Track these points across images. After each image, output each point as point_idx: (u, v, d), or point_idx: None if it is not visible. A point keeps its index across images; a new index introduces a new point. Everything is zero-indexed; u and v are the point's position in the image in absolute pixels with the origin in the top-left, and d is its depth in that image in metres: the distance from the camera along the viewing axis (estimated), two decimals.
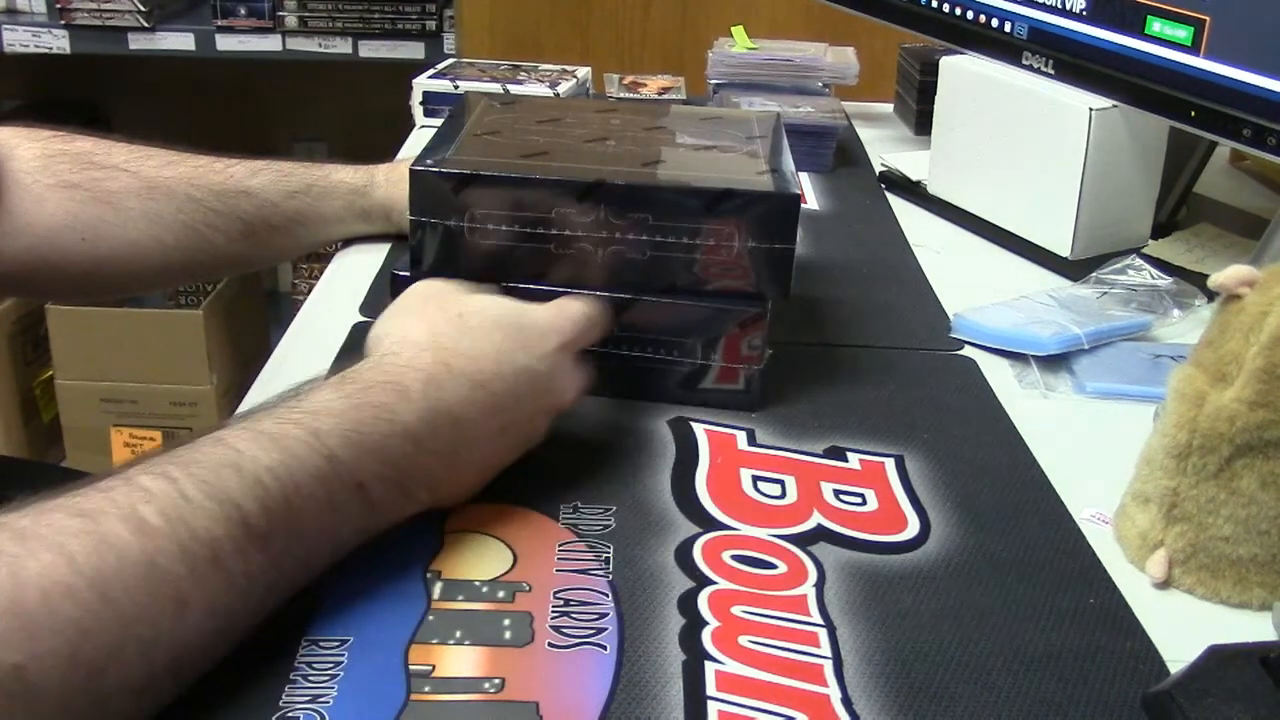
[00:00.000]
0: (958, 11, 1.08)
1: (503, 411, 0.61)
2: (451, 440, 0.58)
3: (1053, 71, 0.98)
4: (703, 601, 0.56)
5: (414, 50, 2.17)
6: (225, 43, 2.18)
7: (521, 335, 0.63)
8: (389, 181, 0.94)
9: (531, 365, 0.62)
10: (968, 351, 0.83)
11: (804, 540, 0.62)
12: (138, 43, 2.17)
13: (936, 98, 1.09)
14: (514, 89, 1.23)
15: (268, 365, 0.79)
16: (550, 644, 0.53)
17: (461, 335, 0.61)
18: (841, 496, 0.66)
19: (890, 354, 0.82)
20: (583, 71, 1.31)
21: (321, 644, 0.52)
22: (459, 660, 0.52)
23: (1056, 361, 0.80)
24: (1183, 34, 0.86)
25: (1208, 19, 0.84)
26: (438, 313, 0.63)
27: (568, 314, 0.66)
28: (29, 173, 0.81)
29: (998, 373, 0.80)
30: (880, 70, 1.44)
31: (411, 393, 0.57)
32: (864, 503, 0.65)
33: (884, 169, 1.17)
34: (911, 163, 1.15)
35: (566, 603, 0.56)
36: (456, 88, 1.24)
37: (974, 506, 0.65)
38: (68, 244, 0.81)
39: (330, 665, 0.51)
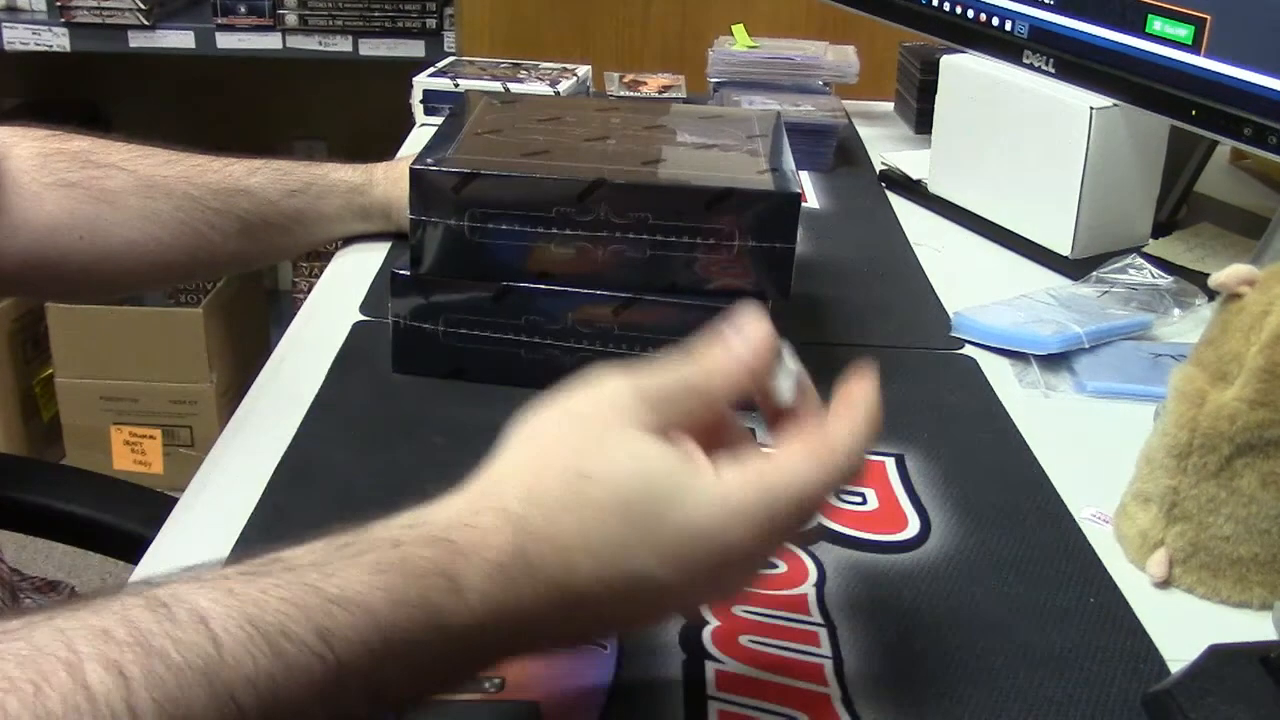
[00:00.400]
0: (958, 10, 1.08)
1: (597, 625, 0.47)
2: (511, 647, 0.44)
3: (1053, 70, 0.98)
4: None
5: (414, 48, 2.17)
6: (225, 41, 2.18)
7: (656, 528, 0.43)
8: (388, 180, 0.94)
9: (653, 574, 0.43)
10: (968, 351, 0.83)
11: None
12: (138, 41, 2.17)
13: (937, 96, 1.09)
14: (514, 87, 1.23)
15: (268, 364, 0.79)
16: None
17: (566, 510, 0.43)
18: (842, 495, 0.66)
19: (890, 354, 0.82)
20: (583, 70, 1.31)
21: None
22: None
23: (1057, 361, 0.80)
24: (1183, 33, 0.86)
25: (1208, 18, 0.84)
26: (557, 463, 0.44)
27: (766, 500, 0.44)
28: (26, 171, 0.81)
29: (998, 372, 0.80)
30: (881, 69, 1.44)
31: (467, 589, 0.41)
32: (864, 502, 0.65)
33: (884, 168, 1.17)
34: (912, 161, 1.15)
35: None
36: (457, 86, 1.24)
37: (974, 506, 0.65)
38: (66, 242, 0.81)
39: None
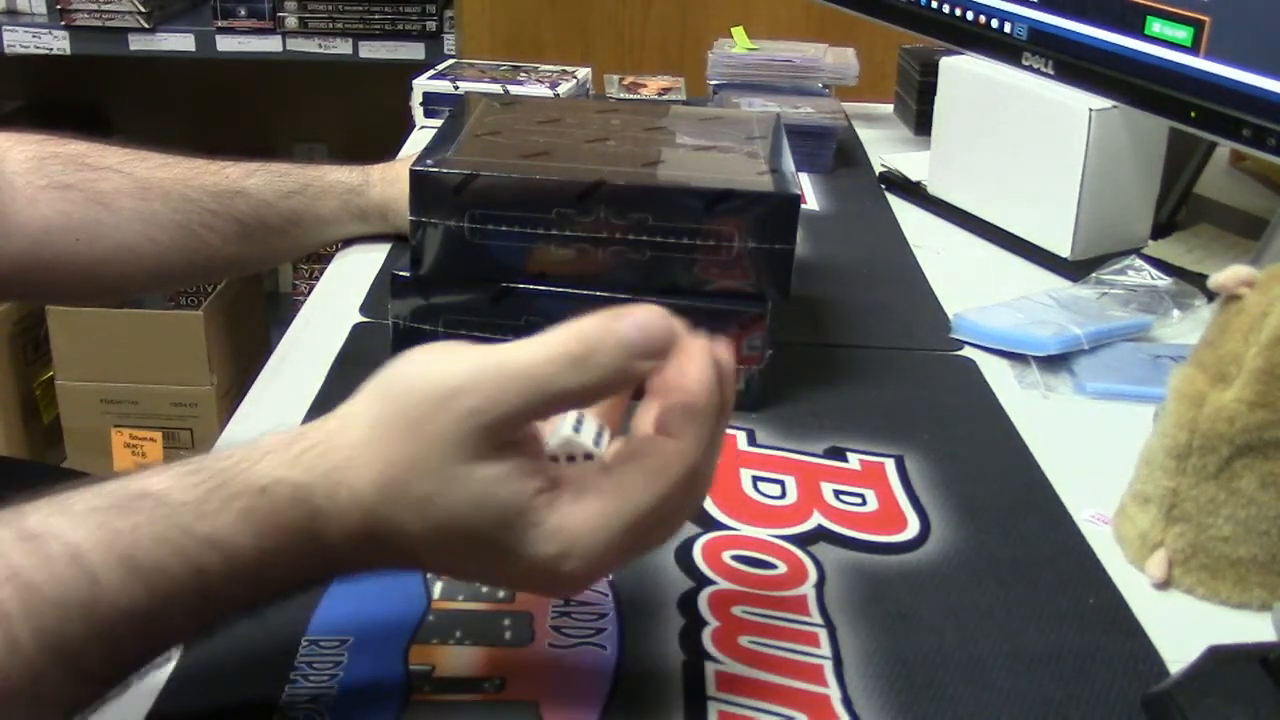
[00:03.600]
0: (957, 12, 1.08)
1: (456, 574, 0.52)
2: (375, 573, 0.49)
3: (1053, 72, 0.98)
4: (703, 601, 0.56)
5: (414, 51, 2.17)
6: (225, 43, 2.18)
7: (496, 556, 0.45)
8: (384, 181, 0.94)
9: (492, 580, 0.51)
10: (968, 352, 0.83)
11: (804, 540, 0.62)
12: (138, 43, 2.17)
13: (936, 98, 1.09)
14: (514, 89, 1.23)
15: (268, 365, 0.79)
16: (550, 644, 0.53)
17: (412, 520, 0.44)
18: (841, 497, 0.66)
19: (890, 354, 0.82)
20: (582, 72, 1.31)
21: (321, 644, 0.52)
22: (459, 660, 0.52)
23: (1056, 362, 0.80)
24: (1182, 34, 0.86)
25: (1207, 19, 0.84)
26: (404, 472, 0.44)
27: (602, 536, 0.45)
28: (21, 174, 0.80)
29: (998, 373, 0.80)
30: (880, 71, 1.44)
31: (326, 544, 0.45)
32: (864, 503, 0.65)
33: (884, 169, 1.17)
34: (911, 163, 1.15)
35: (566, 602, 0.56)
36: (456, 88, 1.24)
37: (974, 506, 0.65)
38: (62, 245, 0.81)
39: (330, 665, 0.51)
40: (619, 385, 0.46)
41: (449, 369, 0.44)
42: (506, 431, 0.44)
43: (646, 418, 0.47)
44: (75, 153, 0.84)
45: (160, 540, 0.42)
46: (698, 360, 0.46)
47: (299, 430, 0.47)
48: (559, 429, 0.47)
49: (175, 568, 0.42)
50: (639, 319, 0.44)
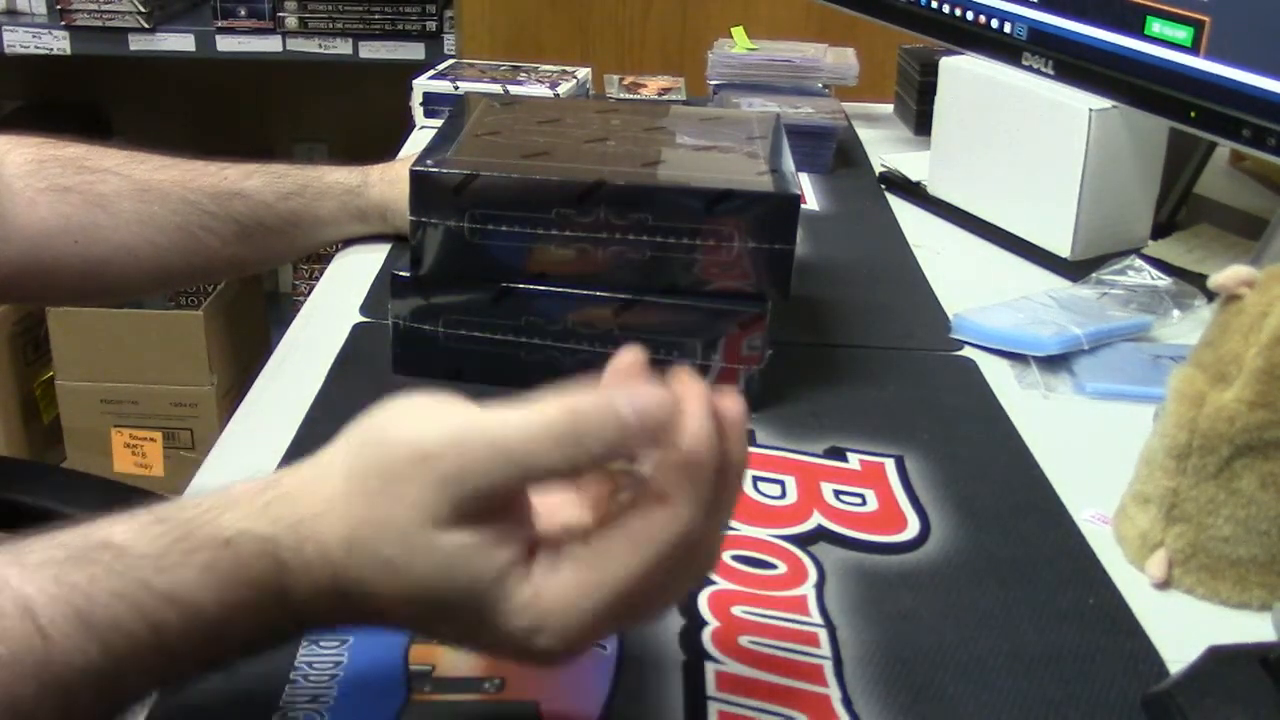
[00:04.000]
0: (957, 12, 1.08)
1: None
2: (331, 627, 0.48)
3: (1052, 72, 0.98)
4: (703, 601, 0.56)
5: (414, 51, 2.17)
6: (225, 43, 2.18)
7: (463, 623, 0.43)
8: (383, 181, 0.94)
9: (460, 644, 0.47)
10: (968, 352, 0.83)
11: (804, 540, 0.62)
12: (138, 43, 2.17)
13: (936, 98, 1.09)
14: (514, 89, 1.23)
15: (268, 366, 0.79)
16: None
17: (380, 582, 0.42)
18: (841, 497, 0.66)
19: (890, 354, 0.82)
20: (582, 72, 1.31)
21: (321, 644, 0.52)
22: (459, 660, 0.52)
23: (1056, 362, 0.80)
24: (1182, 34, 0.86)
25: (1207, 19, 0.84)
26: (372, 533, 0.42)
27: (576, 612, 0.42)
28: (20, 177, 0.81)
29: (998, 373, 0.80)
30: (880, 71, 1.44)
31: (293, 598, 0.43)
32: (864, 503, 0.65)
33: (884, 169, 1.17)
34: (911, 163, 1.15)
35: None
36: (456, 88, 1.24)
37: (974, 506, 0.65)
38: (61, 247, 0.81)
39: (330, 665, 0.51)
40: (613, 459, 0.43)
41: (430, 428, 0.42)
42: (481, 503, 0.41)
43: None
44: (74, 155, 0.84)
45: (116, 595, 0.41)
46: (696, 412, 0.42)
47: (274, 477, 0.45)
48: None
49: (131, 624, 0.40)
50: (638, 402, 0.41)
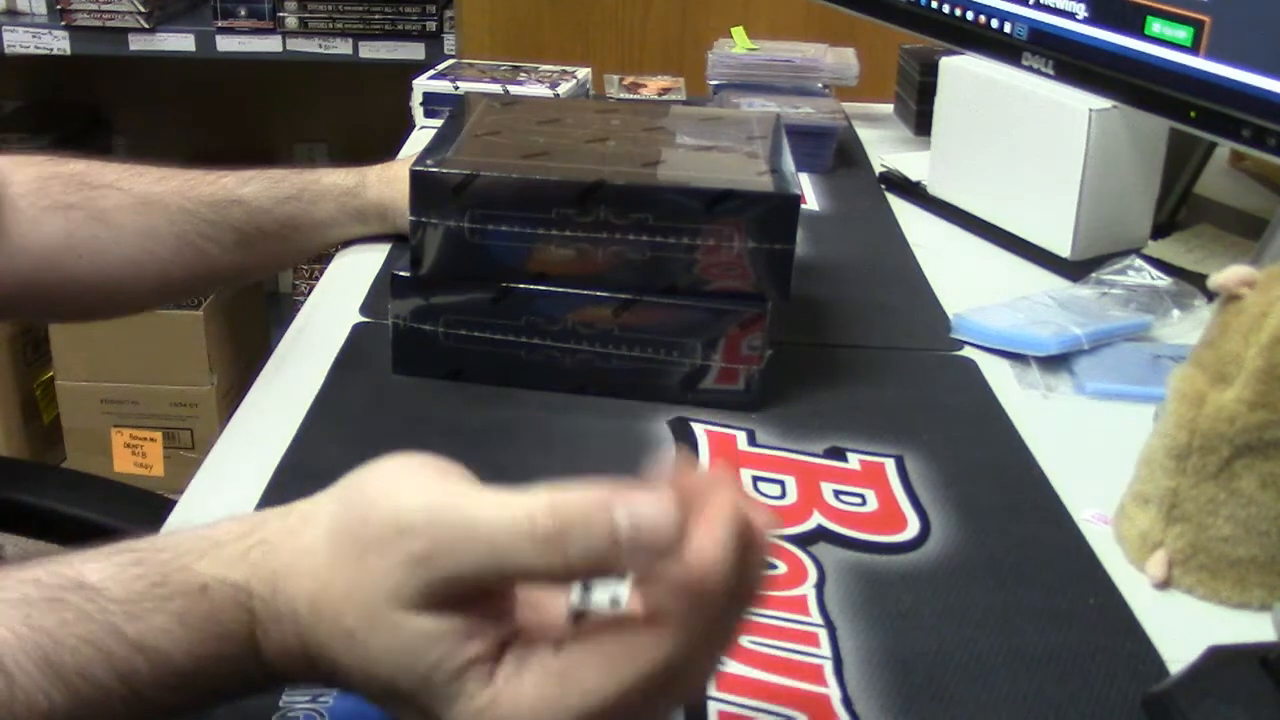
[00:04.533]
0: (958, 12, 1.08)
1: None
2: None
3: (1052, 72, 0.98)
4: None
5: (414, 51, 2.17)
6: (225, 44, 2.18)
7: (422, 705, 0.40)
8: (381, 181, 0.94)
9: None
10: (968, 352, 0.83)
11: (804, 540, 0.62)
12: (138, 44, 2.17)
13: (936, 98, 1.09)
14: (514, 89, 1.23)
15: (268, 366, 0.79)
16: None
17: (341, 651, 0.41)
18: (841, 497, 0.66)
19: (890, 354, 0.82)
20: (583, 72, 1.31)
21: None
22: None
23: (1056, 362, 0.80)
24: (1182, 34, 0.86)
25: (1207, 19, 0.84)
26: (338, 606, 0.41)
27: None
28: (24, 196, 0.81)
29: (998, 373, 0.80)
30: (880, 71, 1.44)
31: (263, 650, 0.42)
32: (864, 503, 0.65)
33: (884, 170, 1.17)
34: (911, 163, 1.15)
35: None
36: (456, 88, 1.24)
37: (974, 506, 0.65)
38: (65, 263, 0.81)
39: None
40: (600, 572, 0.39)
41: (410, 499, 0.40)
42: (451, 588, 0.39)
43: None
44: (75, 172, 0.84)
45: (86, 641, 0.40)
46: (714, 529, 0.37)
47: (260, 518, 0.44)
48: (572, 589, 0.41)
49: (100, 672, 0.40)
50: (639, 509, 0.37)
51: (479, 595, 0.39)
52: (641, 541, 0.37)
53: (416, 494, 0.40)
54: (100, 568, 0.41)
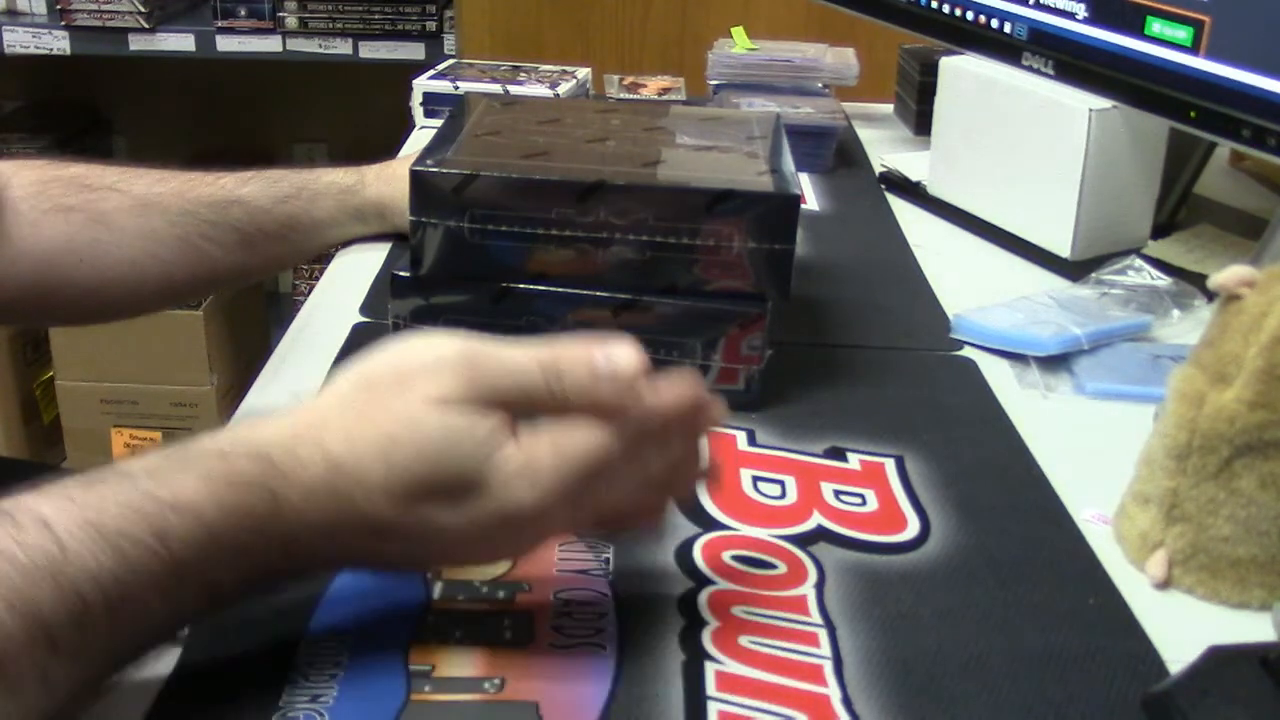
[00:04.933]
0: (958, 12, 1.08)
1: (398, 557, 0.51)
2: (326, 558, 0.51)
3: (1052, 72, 0.98)
4: (703, 601, 0.56)
5: (414, 51, 2.17)
6: (225, 43, 2.18)
7: (455, 489, 0.48)
8: (380, 180, 0.94)
9: (448, 525, 0.48)
10: (968, 352, 0.83)
11: (804, 540, 0.62)
12: (138, 43, 2.17)
13: (936, 98, 1.09)
14: (514, 89, 1.23)
15: (268, 365, 0.79)
16: (550, 644, 0.53)
17: (376, 461, 0.47)
18: (841, 497, 0.66)
19: (890, 354, 0.82)
20: (582, 72, 1.31)
21: (321, 644, 0.52)
22: (459, 660, 0.52)
23: (1056, 362, 0.80)
24: (1183, 34, 0.86)
25: (1207, 19, 0.84)
26: (372, 420, 0.48)
27: (559, 466, 0.49)
28: (25, 199, 0.81)
29: (998, 373, 0.80)
30: (880, 71, 1.44)
31: (284, 502, 0.47)
32: (864, 503, 0.65)
33: (884, 169, 1.17)
34: (911, 163, 1.15)
35: (566, 603, 0.56)
36: (456, 88, 1.25)
37: (974, 506, 0.65)
38: (67, 266, 0.81)
39: (330, 665, 0.51)
40: (587, 402, 0.50)
41: (447, 345, 0.50)
42: (485, 396, 0.48)
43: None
44: (75, 175, 0.84)
45: (124, 505, 0.44)
46: (674, 386, 0.52)
47: (270, 413, 0.50)
48: None
49: (139, 531, 0.44)
50: (614, 354, 0.50)
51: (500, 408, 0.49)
52: (616, 372, 0.50)
53: (450, 342, 0.50)
54: (133, 461, 0.47)
